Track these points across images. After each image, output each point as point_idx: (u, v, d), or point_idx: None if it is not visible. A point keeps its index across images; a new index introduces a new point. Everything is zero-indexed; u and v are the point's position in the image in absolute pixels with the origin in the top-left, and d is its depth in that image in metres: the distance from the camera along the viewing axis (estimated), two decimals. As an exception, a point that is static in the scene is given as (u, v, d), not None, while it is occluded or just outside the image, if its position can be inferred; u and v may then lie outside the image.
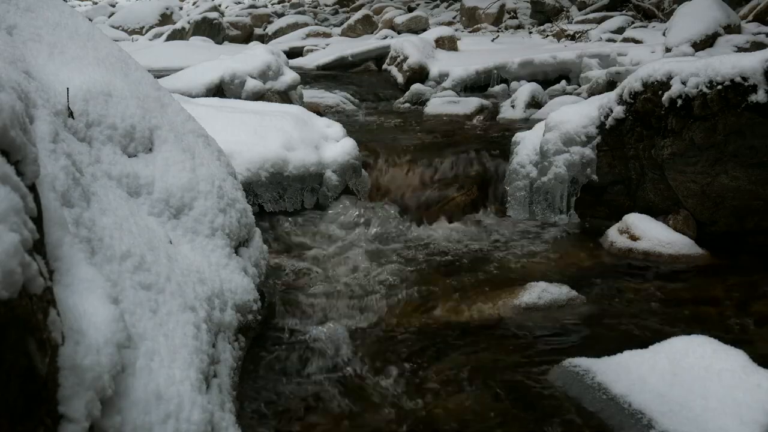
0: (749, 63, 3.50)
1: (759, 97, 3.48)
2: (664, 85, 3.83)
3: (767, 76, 3.46)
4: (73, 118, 2.44)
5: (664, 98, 3.82)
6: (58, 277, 1.61)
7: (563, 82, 7.84)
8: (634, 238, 3.78)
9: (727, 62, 3.57)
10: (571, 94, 7.29)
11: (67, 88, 2.44)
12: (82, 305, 1.58)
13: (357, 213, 4.48)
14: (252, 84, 6.06)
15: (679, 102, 3.75)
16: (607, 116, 4.16)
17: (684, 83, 3.72)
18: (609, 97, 4.20)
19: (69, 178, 1.93)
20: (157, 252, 2.20)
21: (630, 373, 2.23)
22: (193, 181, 2.76)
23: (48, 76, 2.50)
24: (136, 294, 1.89)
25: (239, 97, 6.01)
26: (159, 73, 7.29)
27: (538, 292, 3.09)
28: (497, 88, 8.02)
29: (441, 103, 6.83)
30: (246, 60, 6.16)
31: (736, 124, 3.58)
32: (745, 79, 3.52)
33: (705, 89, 3.64)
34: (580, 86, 7.53)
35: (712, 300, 3.20)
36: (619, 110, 4.08)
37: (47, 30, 2.79)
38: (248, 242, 3.02)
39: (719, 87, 3.59)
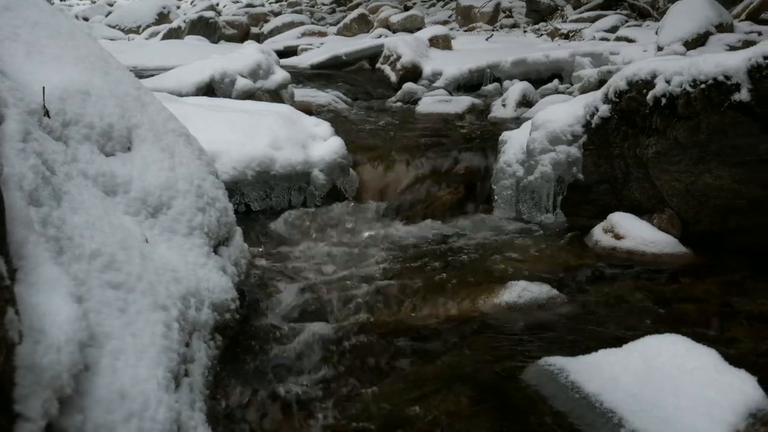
0: (733, 62, 3.50)
1: (742, 96, 3.47)
2: (649, 83, 3.84)
3: (750, 74, 3.46)
4: (48, 117, 2.43)
5: (648, 97, 3.82)
6: (22, 276, 1.61)
7: (556, 81, 7.84)
8: (618, 237, 3.78)
9: (710, 61, 3.57)
10: (563, 93, 7.29)
11: (43, 87, 2.44)
12: (45, 304, 1.58)
13: (344, 212, 4.48)
14: (242, 83, 6.06)
15: (664, 101, 3.75)
16: (592, 115, 4.16)
17: (668, 82, 3.72)
18: (595, 96, 4.20)
19: (38, 177, 1.93)
20: (130, 251, 2.20)
21: (603, 372, 2.23)
22: (171, 180, 2.76)
23: (25, 75, 2.50)
24: (104, 293, 1.89)
25: (230, 96, 6.02)
26: (153, 72, 7.30)
27: (519, 291, 3.09)
28: (490, 87, 8.03)
29: (432, 102, 6.83)
30: (236, 59, 6.17)
31: (719, 123, 3.58)
32: (728, 77, 3.51)
33: (689, 88, 3.64)
34: (572, 85, 7.53)
35: (693, 299, 3.20)
36: (604, 109, 4.08)
37: (26, 29, 2.78)
38: (228, 241, 3.02)
39: (703, 86, 3.59)
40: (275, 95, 6.28)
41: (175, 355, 2.00)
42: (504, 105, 6.56)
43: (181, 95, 5.68)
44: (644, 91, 3.86)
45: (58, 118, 2.48)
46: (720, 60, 3.53)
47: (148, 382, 1.76)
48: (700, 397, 1.99)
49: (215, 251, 2.87)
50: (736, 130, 3.55)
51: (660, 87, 3.76)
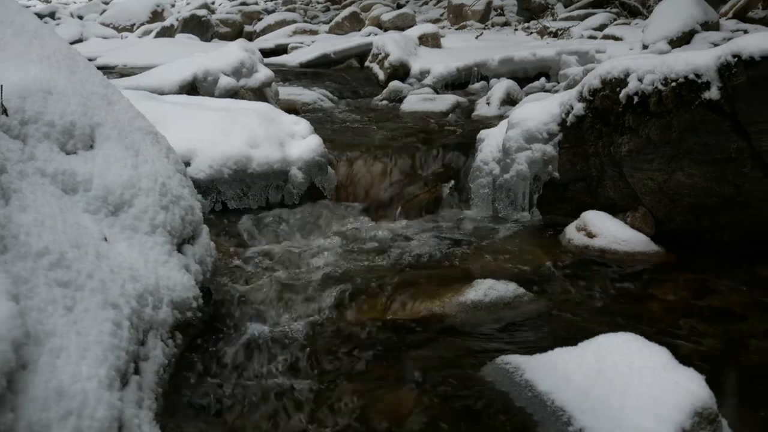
0: (703, 60, 3.49)
1: (712, 94, 3.47)
2: (622, 82, 3.83)
3: (720, 73, 3.46)
4: (6, 114, 2.43)
5: (621, 95, 3.82)
6: (-42, 274, 1.61)
7: (543, 80, 7.84)
8: (590, 235, 3.78)
9: (681, 59, 3.57)
10: (549, 91, 7.27)
11: (0, 86, 2.44)
12: (-20, 303, 1.58)
13: (321, 210, 4.48)
14: (225, 81, 6.05)
15: (636, 99, 3.75)
16: (568, 113, 4.16)
17: (640, 80, 3.72)
18: (570, 95, 4.20)
19: (-15, 175, 1.93)
20: (84, 249, 2.20)
21: (557, 371, 2.23)
22: (134, 178, 2.76)
23: (-17, 74, 2.50)
24: (49, 291, 1.89)
25: (213, 95, 6.01)
26: (142, 71, 7.29)
27: (485, 290, 3.09)
28: (477, 86, 8.02)
29: (417, 101, 6.82)
30: (219, 57, 6.16)
31: (690, 121, 3.58)
32: (698, 76, 3.51)
33: (660, 86, 3.63)
34: (559, 83, 7.52)
35: (660, 297, 3.20)
36: (579, 107, 4.08)
37: (-11, 27, 2.79)
38: (193, 239, 3.01)
39: (674, 84, 3.59)
40: (259, 93, 6.27)
41: (123, 353, 2.00)
42: (488, 103, 6.56)
43: (163, 93, 5.68)
44: (617, 89, 3.85)
45: (17, 116, 2.48)
46: (690, 58, 3.53)
47: (89, 380, 1.76)
48: (647, 395, 1.99)
49: (179, 249, 2.86)
50: (707, 128, 3.55)
51: (633, 85, 3.76)
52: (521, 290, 3.15)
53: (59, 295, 1.92)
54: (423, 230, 4.23)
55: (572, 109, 4.12)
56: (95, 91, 3.01)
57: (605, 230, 3.77)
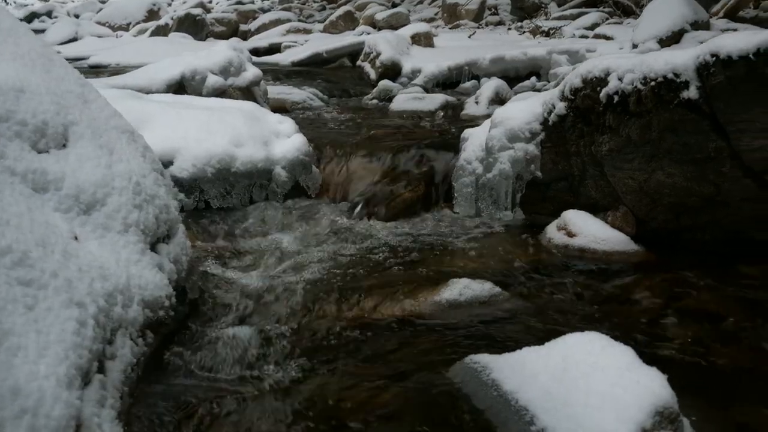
0: (681, 60, 3.49)
1: (691, 93, 3.47)
2: (602, 81, 3.83)
3: (699, 72, 3.46)
4: (-24, 114, 2.43)
5: (602, 95, 3.82)
6: None
7: (533, 79, 7.84)
8: (570, 234, 3.78)
9: (660, 59, 3.57)
10: (539, 90, 7.27)
11: (-30, 84, 2.44)
12: (-65, 302, 1.58)
13: (304, 209, 4.49)
14: (213, 80, 6.06)
15: (616, 98, 3.75)
16: (550, 113, 4.16)
17: (620, 79, 3.72)
18: (552, 94, 4.20)
19: (-52, 174, 1.93)
20: (50, 248, 2.20)
21: (524, 370, 2.23)
22: (107, 177, 2.76)
23: (-45, 73, 2.50)
24: (10, 290, 1.89)
25: (200, 94, 6.02)
26: (135, 69, 7.28)
27: (460, 289, 3.09)
28: (468, 85, 8.03)
29: (406, 100, 6.82)
30: (207, 56, 6.16)
31: (669, 120, 3.58)
32: (677, 75, 3.51)
33: (640, 86, 3.63)
34: (549, 82, 7.53)
35: (636, 296, 3.20)
36: (561, 107, 4.08)
37: (-39, 27, 2.79)
38: (168, 238, 3.01)
39: (653, 83, 3.58)
40: (247, 92, 6.28)
41: (86, 352, 2.00)
42: (477, 102, 6.56)
43: (151, 92, 5.69)
44: (598, 88, 3.85)
45: (-12, 115, 2.48)
46: (669, 57, 3.52)
47: (47, 379, 1.76)
48: (609, 394, 1.99)
49: (153, 248, 2.86)
50: (686, 127, 3.55)
51: (613, 84, 3.75)
52: (497, 289, 3.15)
53: (20, 293, 1.92)
54: (405, 229, 4.23)
55: (554, 108, 4.12)
56: (71, 90, 3.01)
57: (585, 229, 3.77)
